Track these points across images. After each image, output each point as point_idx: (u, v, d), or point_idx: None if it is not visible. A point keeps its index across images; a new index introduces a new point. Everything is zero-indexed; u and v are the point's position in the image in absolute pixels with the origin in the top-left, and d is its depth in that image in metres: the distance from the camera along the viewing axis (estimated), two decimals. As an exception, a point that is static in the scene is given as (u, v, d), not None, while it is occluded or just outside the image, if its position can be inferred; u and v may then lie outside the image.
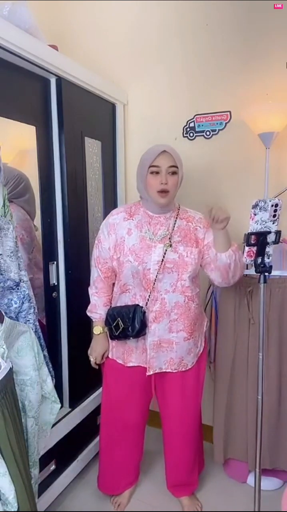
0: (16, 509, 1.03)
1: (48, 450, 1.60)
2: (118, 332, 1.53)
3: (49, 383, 1.36)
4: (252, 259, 1.40)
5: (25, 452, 1.17)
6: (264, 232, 1.35)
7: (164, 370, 1.58)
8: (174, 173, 1.48)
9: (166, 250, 1.49)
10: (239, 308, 1.82)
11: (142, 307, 1.51)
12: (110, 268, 1.60)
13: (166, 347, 1.56)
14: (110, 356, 1.66)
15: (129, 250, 1.51)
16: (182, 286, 1.52)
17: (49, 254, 1.75)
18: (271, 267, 1.41)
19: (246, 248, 1.39)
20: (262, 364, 1.47)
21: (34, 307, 1.32)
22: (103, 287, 1.63)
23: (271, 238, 1.37)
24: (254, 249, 1.38)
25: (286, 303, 1.76)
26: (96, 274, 1.63)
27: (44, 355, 1.35)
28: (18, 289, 1.29)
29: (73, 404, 1.84)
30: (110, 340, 1.63)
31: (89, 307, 1.67)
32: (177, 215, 1.56)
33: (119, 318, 1.52)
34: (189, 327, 1.55)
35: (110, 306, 1.63)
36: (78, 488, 1.86)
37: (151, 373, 1.57)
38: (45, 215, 1.71)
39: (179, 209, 1.59)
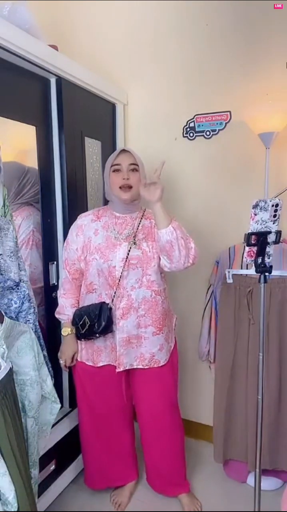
0: (16, 509, 1.03)
1: (48, 450, 1.61)
2: (84, 330, 1.54)
3: (49, 383, 1.36)
4: (253, 259, 1.40)
5: (25, 452, 1.17)
6: (264, 232, 1.35)
7: (135, 367, 1.60)
8: (135, 170, 1.54)
9: (130, 248, 1.52)
10: (239, 308, 1.82)
11: (108, 304, 1.53)
12: (78, 269, 1.62)
13: (135, 342, 1.57)
14: (79, 359, 1.66)
15: (95, 248, 1.55)
16: (148, 281, 1.54)
17: (49, 254, 1.75)
18: (271, 267, 1.41)
19: (247, 248, 1.39)
20: (262, 364, 1.47)
21: (34, 307, 1.33)
22: (70, 289, 1.64)
23: (271, 238, 1.37)
24: (255, 249, 1.38)
25: (286, 303, 1.76)
26: (64, 275, 1.65)
27: (43, 355, 1.35)
28: (18, 289, 1.29)
29: (73, 404, 1.84)
30: (78, 342, 1.64)
31: (57, 309, 1.68)
32: (143, 216, 1.61)
33: (85, 316, 1.53)
34: (157, 321, 1.57)
35: (78, 307, 1.64)
36: (78, 488, 1.86)
37: (121, 369, 1.58)
38: (45, 215, 1.71)
39: (144, 211, 1.64)
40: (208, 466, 2.00)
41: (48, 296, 1.75)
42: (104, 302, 1.54)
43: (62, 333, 1.66)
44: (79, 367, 1.68)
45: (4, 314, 1.21)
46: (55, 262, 1.76)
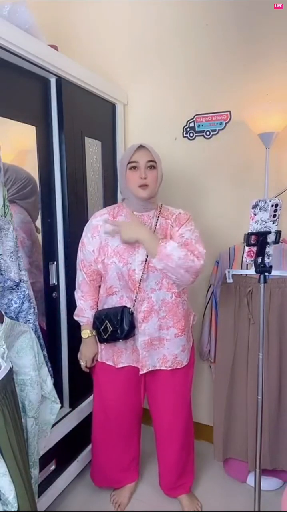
0: (16, 509, 1.03)
1: (48, 450, 1.60)
2: (107, 335, 1.52)
3: (49, 383, 1.36)
4: (252, 259, 1.40)
5: (25, 452, 1.17)
6: (264, 232, 1.35)
7: (158, 368, 1.59)
8: (153, 167, 1.49)
9: None
10: (239, 308, 1.82)
11: (129, 308, 1.51)
12: (95, 271, 1.59)
13: (157, 344, 1.56)
14: (99, 359, 1.65)
15: (113, 251, 1.51)
16: (168, 283, 1.52)
17: (49, 254, 1.75)
18: (271, 267, 1.41)
19: (246, 248, 1.39)
20: (262, 364, 1.47)
21: (34, 307, 1.33)
22: (88, 291, 1.62)
23: (271, 238, 1.37)
24: (254, 249, 1.38)
25: (286, 303, 1.76)
26: (81, 277, 1.62)
27: (43, 355, 1.35)
28: (18, 289, 1.29)
29: (73, 404, 1.85)
30: (98, 343, 1.63)
31: (76, 311, 1.66)
32: (159, 213, 1.57)
33: (107, 321, 1.51)
34: (179, 323, 1.56)
35: (97, 309, 1.62)
36: (78, 488, 1.86)
37: (145, 371, 1.57)
38: (45, 215, 1.71)
39: (161, 208, 1.59)
40: (208, 466, 2.00)
41: (48, 296, 1.75)
42: (125, 306, 1.51)
43: (82, 335, 1.63)
44: (99, 368, 1.66)
45: (4, 314, 1.21)
46: (55, 262, 1.76)
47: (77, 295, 1.64)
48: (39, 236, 1.76)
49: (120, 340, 1.53)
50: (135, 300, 1.51)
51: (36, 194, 1.71)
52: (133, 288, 1.51)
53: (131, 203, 1.55)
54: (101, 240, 1.54)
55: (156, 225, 1.54)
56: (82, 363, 1.66)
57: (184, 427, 1.70)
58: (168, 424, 1.69)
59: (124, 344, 1.57)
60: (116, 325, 1.49)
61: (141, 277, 1.49)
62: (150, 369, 1.57)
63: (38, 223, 1.72)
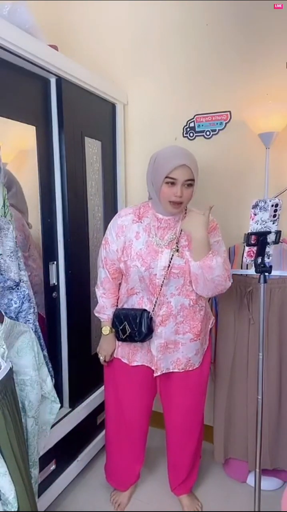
0: (16, 509, 1.03)
1: (48, 450, 1.61)
2: (125, 336, 1.54)
3: (49, 383, 1.36)
4: (252, 259, 1.40)
5: (25, 452, 1.17)
6: (264, 232, 1.35)
7: (171, 371, 1.59)
8: (189, 185, 1.42)
9: (172, 256, 1.47)
10: (239, 308, 1.82)
11: (149, 312, 1.51)
12: (118, 269, 1.59)
13: (172, 348, 1.56)
14: (115, 355, 1.67)
15: (136, 254, 1.49)
16: (187, 290, 1.51)
17: (49, 254, 1.75)
18: (271, 267, 1.41)
19: (246, 248, 1.39)
20: (262, 364, 1.47)
21: (34, 307, 1.33)
22: (110, 288, 1.63)
23: (271, 238, 1.37)
24: (254, 249, 1.38)
25: (286, 303, 1.76)
26: (104, 275, 1.61)
27: (43, 355, 1.35)
28: (18, 289, 1.29)
29: (73, 404, 1.84)
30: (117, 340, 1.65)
31: (97, 308, 1.67)
32: (185, 217, 1.51)
33: (125, 322, 1.52)
34: (195, 328, 1.55)
35: (117, 307, 1.63)
36: (79, 488, 1.86)
37: (159, 374, 1.57)
38: (45, 215, 1.71)
39: (186, 212, 1.54)
40: (208, 466, 2.00)
41: (48, 296, 1.75)
42: (145, 310, 1.52)
43: (103, 332, 1.65)
44: (115, 363, 1.68)
45: (4, 314, 1.21)
46: (55, 262, 1.76)
47: (99, 292, 1.65)
48: (34, 233, 1.75)
49: (137, 342, 1.54)
50: (155, 304, 1.51)
51: (14, 184, 1.66)
52: (153, 291, 1.50)
53: (159, 207, 1.50)
54: (125, 240, 1.53)
55: (181, 230, 1.50)
56: (101, 358, 1.68)
57: (198, 430, 1.71)
58: (182, 426, 1.68)
59: (140, 344, 1.58)
60: (135, 327, 1.50)
61: (162, 282, 1.48)
62: (163, 372, 1.58)
63: (38, 223, 1.72)
